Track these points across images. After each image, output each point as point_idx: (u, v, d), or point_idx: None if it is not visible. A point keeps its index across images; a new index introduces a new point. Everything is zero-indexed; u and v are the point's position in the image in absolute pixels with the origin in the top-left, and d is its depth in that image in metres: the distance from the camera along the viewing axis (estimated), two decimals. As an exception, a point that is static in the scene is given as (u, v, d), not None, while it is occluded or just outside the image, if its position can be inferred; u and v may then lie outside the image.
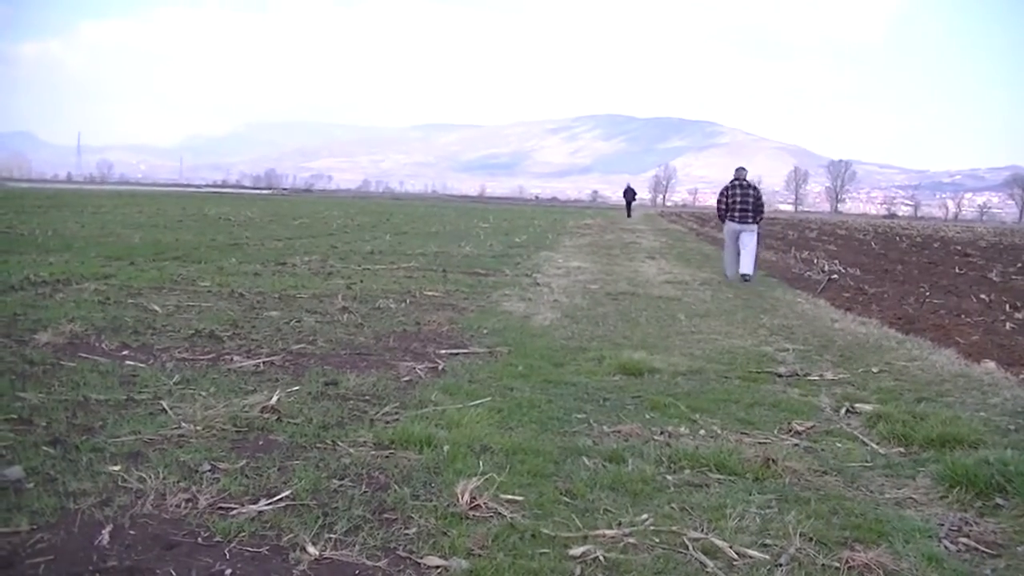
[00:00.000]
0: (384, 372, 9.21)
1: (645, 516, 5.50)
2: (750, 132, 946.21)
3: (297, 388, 8.24)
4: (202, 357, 9.50)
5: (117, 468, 5.79)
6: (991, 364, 11.17)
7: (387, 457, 6.34)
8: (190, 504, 5.31)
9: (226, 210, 53.32)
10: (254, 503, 5.37)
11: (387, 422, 7.24)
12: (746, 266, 21.20)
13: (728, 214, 21.96)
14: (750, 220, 21.73)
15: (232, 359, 9.48)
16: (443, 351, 10.53)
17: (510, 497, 5.64)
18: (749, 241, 21.42)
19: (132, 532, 4.91)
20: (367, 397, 8.13)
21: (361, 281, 17.27)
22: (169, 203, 61.91)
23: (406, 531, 5.13)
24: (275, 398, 7.49)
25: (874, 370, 10.65)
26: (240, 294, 14.55)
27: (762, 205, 22.38)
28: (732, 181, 22.07)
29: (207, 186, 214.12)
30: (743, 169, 22.51)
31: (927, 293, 20.64)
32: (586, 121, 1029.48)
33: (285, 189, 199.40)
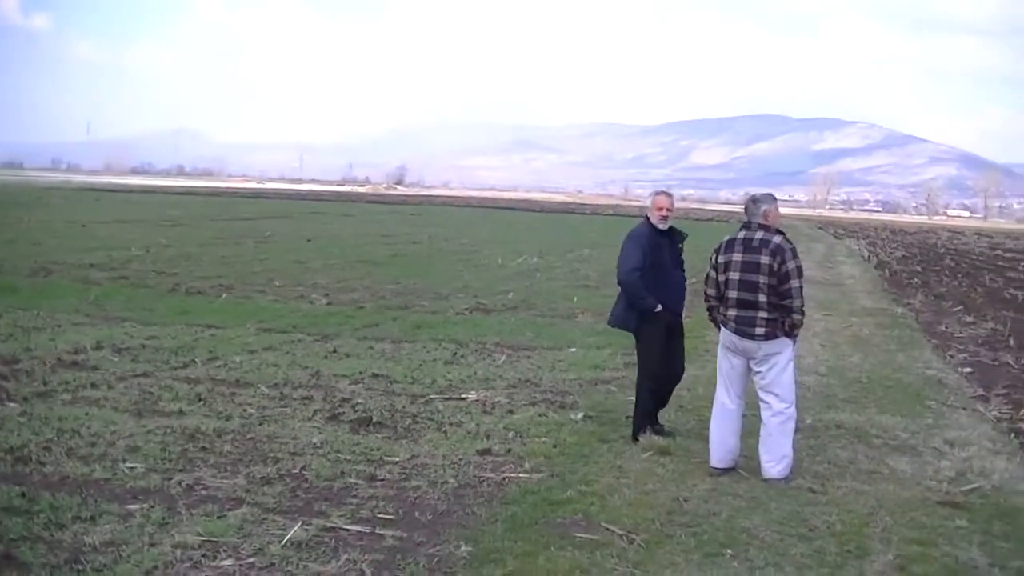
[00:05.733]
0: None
1: None
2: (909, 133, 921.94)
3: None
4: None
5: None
6: None
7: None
8: None
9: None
10: None
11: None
12: (766, 456, 8.96)
13: (721, 311, 9.26)
14: (762, 327, 8.87)
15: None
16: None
17: None
18: (768, 380, 9.01)
19: None
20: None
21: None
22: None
23: None
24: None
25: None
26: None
27: (791, 289, 8.78)
28: (736, 234, 9.17)
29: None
30: (761, 201, 9.12)
31: None
32: (743, 121, 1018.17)
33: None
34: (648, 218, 10.13)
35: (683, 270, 10.19)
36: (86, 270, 23.53)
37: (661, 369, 10.05)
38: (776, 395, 8.96)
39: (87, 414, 9.99)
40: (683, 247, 10.21)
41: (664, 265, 9.93)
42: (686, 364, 10.57)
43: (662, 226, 10.02)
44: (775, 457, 8.90)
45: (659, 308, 9.80)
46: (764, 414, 9.07)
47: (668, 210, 10.06)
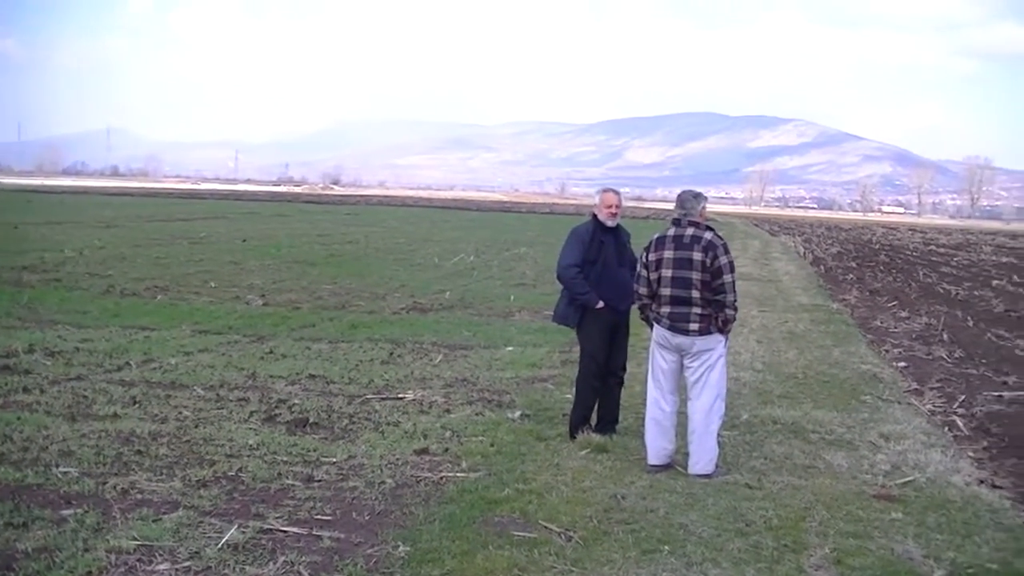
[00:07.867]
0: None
1: None
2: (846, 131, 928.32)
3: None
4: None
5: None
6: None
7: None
8: None
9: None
10: None
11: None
12: (695, 453, 8.95)
13: (654, 308, 9.18)
14: (696, 323, 8.87)
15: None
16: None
17: None
18: (699, 376, 9.01)
19: None
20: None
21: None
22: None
23: None
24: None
25: None
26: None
27: (724, 284, 8.80)
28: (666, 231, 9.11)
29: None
30: (700, 197, 9.15)
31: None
32: (678, 119, 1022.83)
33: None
34: (595, 215, 10.10)
35: (634, 267, 9.77)
36: (18, 273, 23.14)
37: (603, 366, 10.03)
38: (706, 392, 8.96)
39: (19, 418, 9.82)
40: (630, 246, 10.14)
41: (608, 262, 9.91)
42: (627, 364, 10.53)
43: (610, 223, 9.97)
44: (701, 453, 8.90)
45: (600, 304, 9.78)
46: (691, 410, 9.07)
47: (616, 207, 10.03)
